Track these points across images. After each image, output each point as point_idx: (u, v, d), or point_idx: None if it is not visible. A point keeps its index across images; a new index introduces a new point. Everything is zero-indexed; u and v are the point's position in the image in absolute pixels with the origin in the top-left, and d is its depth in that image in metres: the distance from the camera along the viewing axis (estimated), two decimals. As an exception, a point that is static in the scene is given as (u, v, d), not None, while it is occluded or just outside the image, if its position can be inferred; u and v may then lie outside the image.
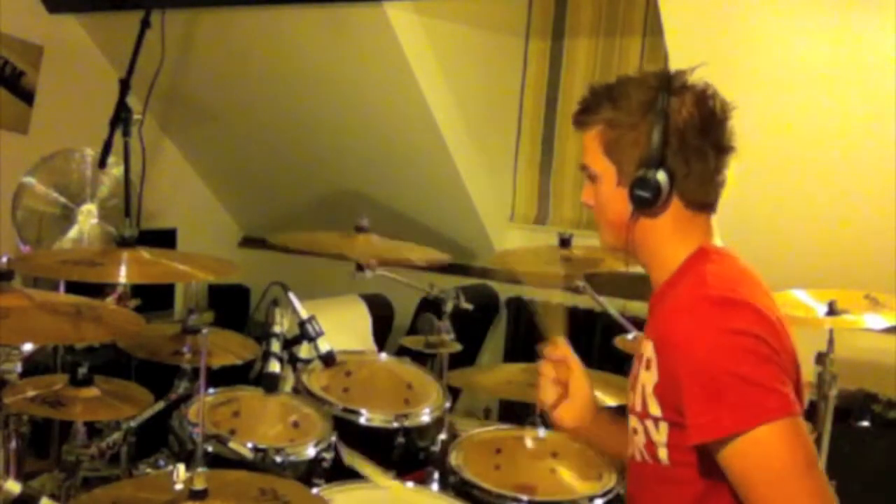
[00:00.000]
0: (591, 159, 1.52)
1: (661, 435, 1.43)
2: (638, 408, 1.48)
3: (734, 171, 1.50)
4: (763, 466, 1.31)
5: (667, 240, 1.49)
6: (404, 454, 2.30)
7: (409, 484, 2.10)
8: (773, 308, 1.43)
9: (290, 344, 2.39)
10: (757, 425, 1.30)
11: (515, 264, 3.02)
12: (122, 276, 2.04)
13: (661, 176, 1.43)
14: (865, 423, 3.09)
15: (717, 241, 1.51)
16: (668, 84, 1.45)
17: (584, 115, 1.52)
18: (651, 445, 1.45)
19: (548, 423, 2.01)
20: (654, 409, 1.43)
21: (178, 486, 1.46)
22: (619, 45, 4.05)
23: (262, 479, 1.64)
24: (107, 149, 3.42)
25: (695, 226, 1.49)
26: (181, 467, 1.47)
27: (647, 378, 1.45)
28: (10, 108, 4.13)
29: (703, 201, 1.49)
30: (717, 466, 1.36)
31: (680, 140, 1.43)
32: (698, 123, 1.45)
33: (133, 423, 2.25)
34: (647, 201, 1.44)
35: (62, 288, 2.57)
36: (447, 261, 2.96)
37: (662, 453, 1.43)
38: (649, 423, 1.44)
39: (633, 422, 1.50)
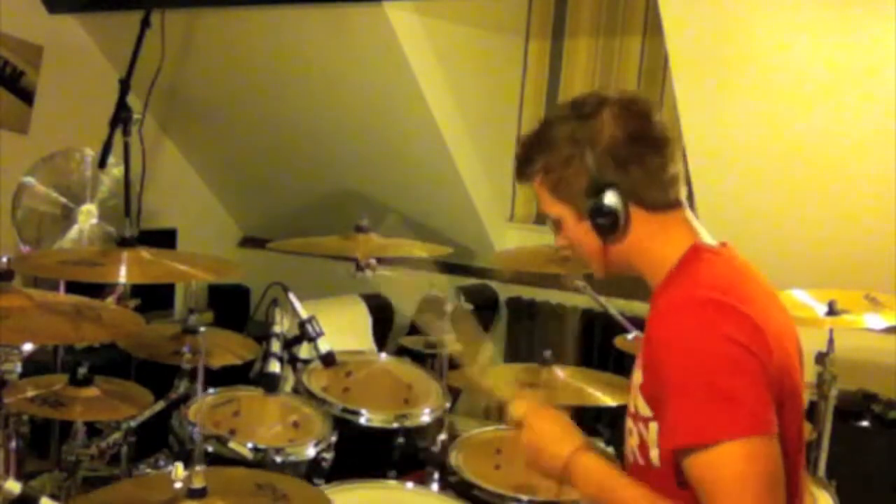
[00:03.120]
0: (546, 206, 1.56)
1: (651, 435, 1.42)
2: (632, 409, 1.47)
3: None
4: (717, 484, 1.30)
5: (648, 249, 1.49)
6: (404, 454, 2.30)
7: (409, 484, 2.10)
8: (768, 312, 1.40)
9: (290, 344, 2.39)
10: (717, 441, 1.28)
11: (515, 264, 3.01)
12: (122, 276, 2.05)
13: (610, 197, 1.45)
14: (865, 423, 3.09)
15: (707, 238, 1.50)
16: (581, 110, 1.48)
17: (523, 168, 1.57)
18: (644, 446, 1.44)
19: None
20: (644, 409, 1.42)
21: (177, 485, 1.45)
22: (619, 45, 4.05)
23: (260, 475, 1.64)
24: (107, 149, 3.42)
25: (670, 225, 1.49)
26: (179, 465, 1.47)
27: (637, 378, 1.45)
28: (10, 108, 4.12)
29: (664, 200, 1.48)
30: None
31: (613, 156, 1.45)
32: (623, 134, 1.45)
33: (133, 423, 2.24)
34: (608, 227, 1.47)
35: (62, 288, 2.57)
36: (448, 253, 2.95)
37: (654, 454, 1.42)
38: (641, 424, 1.44)
39: (629, 423, 1.49)
